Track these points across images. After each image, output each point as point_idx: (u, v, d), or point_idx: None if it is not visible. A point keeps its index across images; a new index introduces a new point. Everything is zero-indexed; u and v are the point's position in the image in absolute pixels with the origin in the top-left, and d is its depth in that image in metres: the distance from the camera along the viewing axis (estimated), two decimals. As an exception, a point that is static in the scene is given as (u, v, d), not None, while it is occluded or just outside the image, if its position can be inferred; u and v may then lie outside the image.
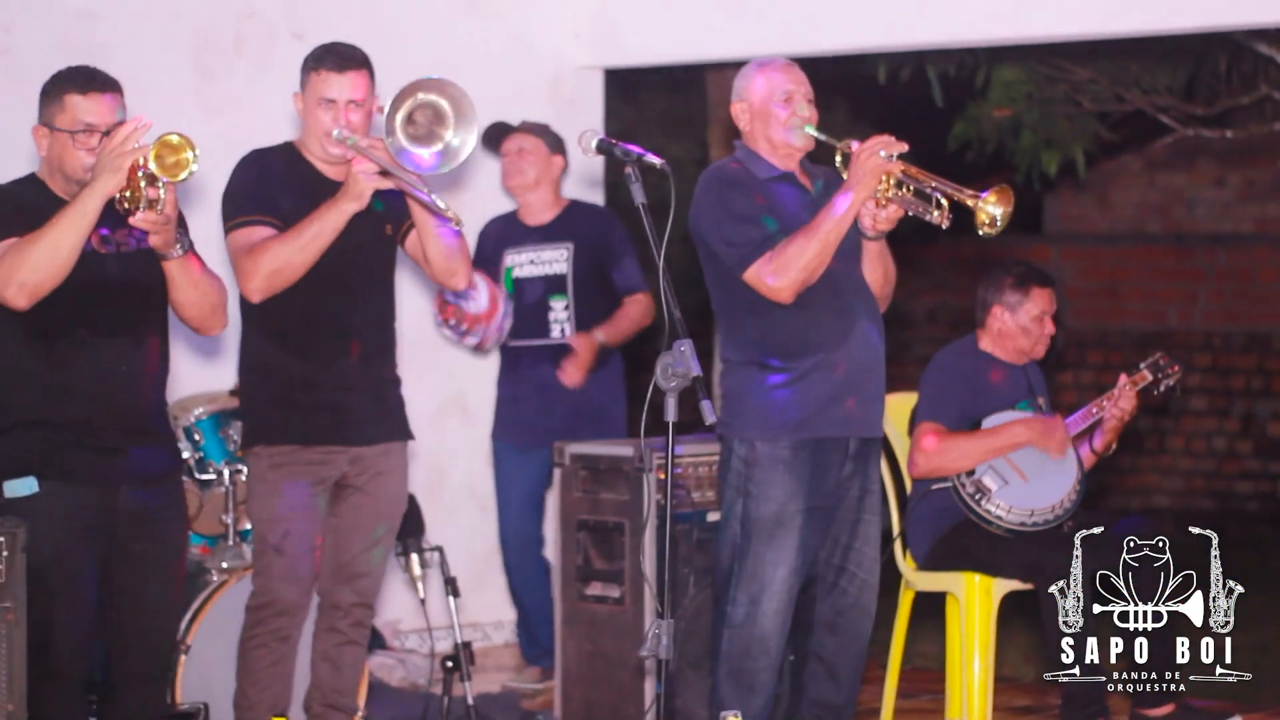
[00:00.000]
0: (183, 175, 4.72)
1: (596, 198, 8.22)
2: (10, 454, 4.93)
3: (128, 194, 4.78)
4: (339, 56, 5.27)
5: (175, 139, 4.73)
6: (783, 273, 5.27)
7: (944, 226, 5.25)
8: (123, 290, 4.95)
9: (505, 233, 7.28)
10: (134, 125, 4.76)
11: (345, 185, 5.17)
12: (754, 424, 5.39)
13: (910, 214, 5.30)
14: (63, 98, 4.91)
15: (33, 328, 4.88)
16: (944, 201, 5.22)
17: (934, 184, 5.23)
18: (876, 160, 5.24)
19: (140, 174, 4.75)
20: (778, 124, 5.45)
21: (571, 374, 7.07)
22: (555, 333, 7.15)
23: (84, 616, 4.96)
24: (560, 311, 7.15)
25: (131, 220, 4.80)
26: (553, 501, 6.57)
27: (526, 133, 7.17)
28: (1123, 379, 6.33)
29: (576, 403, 7.12)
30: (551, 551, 6.88)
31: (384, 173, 5.13)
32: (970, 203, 5.16)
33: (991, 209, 5.16)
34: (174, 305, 5.06)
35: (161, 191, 4.77)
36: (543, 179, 7.20)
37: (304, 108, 5.32)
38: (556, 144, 7.24)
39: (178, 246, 4.91)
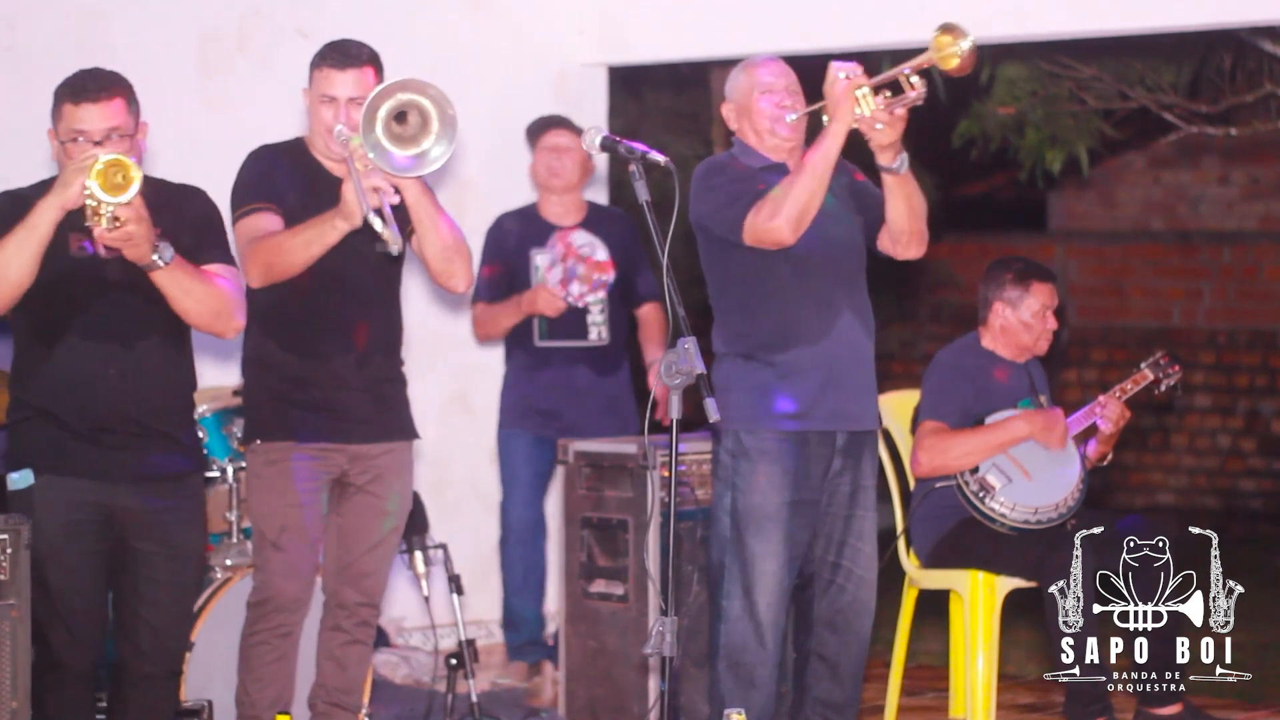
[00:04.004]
0: (122, 197, 4.67)
1: (600, 195, 8.21)
2: (16, 447, 4.97)
3: (94, 208, 4.74)
4: (342, 54, 5.26)
5: (121, 159, 4.68)
6: (777, 211, 5.26)
7: (923, 95, 5.22)
8: (119, 292, 4.93)
9: (528, 230, 7.22)
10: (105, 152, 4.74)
11: (340, 204, 5.12)
12: (739, 417, 5.39)
13: (902, 109, 5.27)
14: (60, 105, 4.89)
15: (32, 329, 4.92)
16: (915, 79, 5.24)
17: (897, 74, 5.26)
18: (841, 84, 5.26)
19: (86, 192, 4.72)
20: (761, 116, 5.47)
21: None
22: (593, 335, 7.13)
23: (82, 608, 4.96)
24: (598, 314, 7.13)
25: (95, 236, 4.78)
26: (557, 498, 6.57)
27: (570, 130, 7.07)
28: (1112, 392, 6.31)
29: (605, 404, 7.12)
30: (556, 549, 6.88)
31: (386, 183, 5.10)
32: (928, 61, 5.20)
33: (949, 50, 5.17)
34: (176, 311, 5.02)
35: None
36: (580, 180, 7.16)
37: (309, 104, 5.32)
38: None
39: (156, 258, 4.84)
